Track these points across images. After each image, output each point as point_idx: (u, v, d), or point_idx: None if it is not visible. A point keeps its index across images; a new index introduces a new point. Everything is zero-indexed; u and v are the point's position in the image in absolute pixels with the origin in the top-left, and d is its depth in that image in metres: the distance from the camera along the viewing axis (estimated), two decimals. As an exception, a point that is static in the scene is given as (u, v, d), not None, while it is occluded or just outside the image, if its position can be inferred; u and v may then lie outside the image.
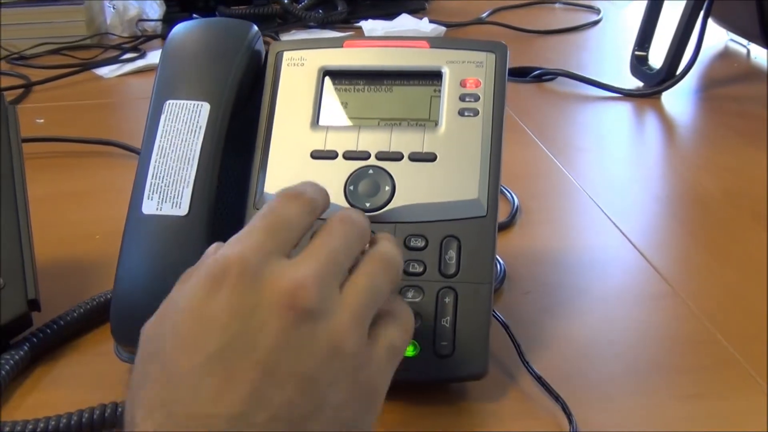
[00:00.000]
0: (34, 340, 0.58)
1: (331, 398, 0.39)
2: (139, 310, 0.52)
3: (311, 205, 0.44)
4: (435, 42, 0.60)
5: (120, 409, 0.50)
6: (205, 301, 0.38)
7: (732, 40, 1.38)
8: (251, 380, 0.36)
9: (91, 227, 0.76)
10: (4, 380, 0.54)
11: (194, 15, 1.51)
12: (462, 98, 0.57)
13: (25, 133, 0.95)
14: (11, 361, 0.55)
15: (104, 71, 1.32)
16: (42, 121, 1.10)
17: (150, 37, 1.49)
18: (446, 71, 0.58)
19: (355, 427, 0.40)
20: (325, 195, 0.46)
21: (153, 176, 0.54)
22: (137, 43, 1.45)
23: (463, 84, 0.58)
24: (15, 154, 0.61)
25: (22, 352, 0.57)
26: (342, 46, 0.61)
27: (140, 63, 1.34)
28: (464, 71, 0.58)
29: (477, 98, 0.57)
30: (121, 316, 0.53)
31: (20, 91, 1.22)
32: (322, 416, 0.38)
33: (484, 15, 1.61)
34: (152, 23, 1.53)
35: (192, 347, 0.37)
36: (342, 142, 0.57)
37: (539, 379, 0.54)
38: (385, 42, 0.61)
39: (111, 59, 1.36)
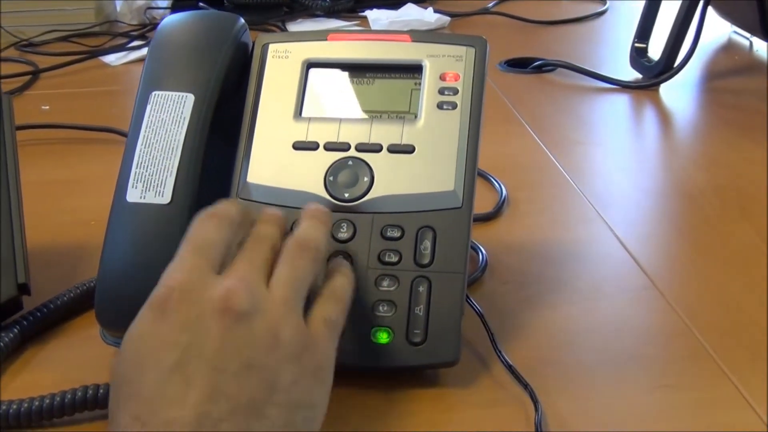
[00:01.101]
0: (24, 323, 0.60)
1: (281, 381, 0.43)
2: (122, 296, 0.54)
3: (226, 219, 0.49)
4: (417, 36, 0.61)
5: (102, 390, 0.51)
6: (156, 325, 0.43)
7: (735, 32, 1.38)
8: (207, 380, 0.41)
9: (87, 214, 0.77)
10: (-5, 361, 0.56)
11: (201, 4, 1.53)
12: (441, 92, 0.59)
13: (29, 120, 0.98)
14: (1, 344, 0.57)
15: (111, 59, 1.34)
16: (47, 107, 1.12)
17: (157, 25, 1.50)
18: (426, 65, 0.60)
19: (310, 401, 0.44)
20: (240, 208, 0.50)
21: (138, 165, 0.56)
22: (144, 31, 1.47)
23: (442, 77, 0.59)
24: (8, 142, 0.63)
25: (12, 335, 0.58)
26: (326, 39, 0.62)
27: (146, 51, 1.35)
28: (444, 65, 0.59)
29: (456, 92, 0.59)
30: (105, 302, 0.55)
31: (27, 77, 1.23)
32: (276, 398, 0.42)
33: (490, 5, 1.61)
34: (160, 11, 1.54)
35: (151, 366, 0.42)
36: (323, 134, 0.58)
37: (510, 368, 0.55)
38: (368, 36, 0.62)
39: (118, 47, 1.38)
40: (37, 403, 0.51)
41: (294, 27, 1.51)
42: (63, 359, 0.59)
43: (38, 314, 0.61)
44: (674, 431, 0.51)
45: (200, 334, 0.42)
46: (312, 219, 0.51)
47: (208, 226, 0.48)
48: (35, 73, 1.25)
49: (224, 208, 0.50)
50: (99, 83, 1.25)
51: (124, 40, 1.42)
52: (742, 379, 0.55)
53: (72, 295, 0.62)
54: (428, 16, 1.47)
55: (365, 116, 0.59)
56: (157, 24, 1.48)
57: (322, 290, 0.50)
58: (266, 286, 0.46)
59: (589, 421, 0.52)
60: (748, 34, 1.35)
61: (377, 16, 1.48)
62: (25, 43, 1.41)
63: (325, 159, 0.58)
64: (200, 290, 0.44)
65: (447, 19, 1.49)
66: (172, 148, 0.56)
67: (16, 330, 0.59)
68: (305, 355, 0.45)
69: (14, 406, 0.51)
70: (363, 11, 1.54)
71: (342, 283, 0.51)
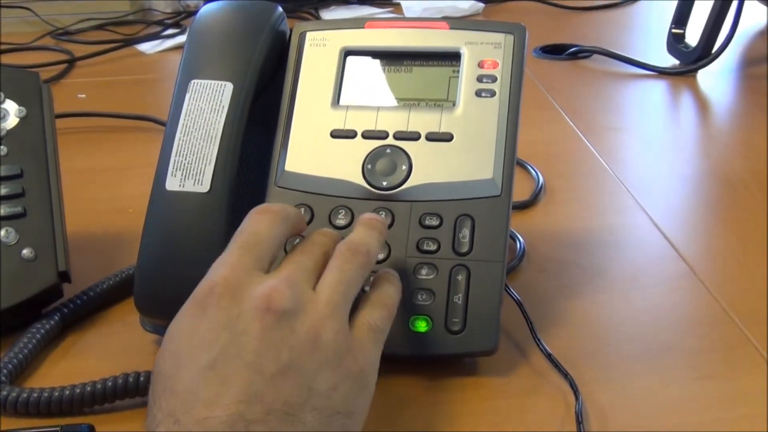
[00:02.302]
0: (65, 310, 0.60)
1: (319, 385, 0.42)
2: (161, 284, 0.55)
3: (281, 215, 0.48)
4: (454, 23, 0.61)
5: (142, 378, 0.52)
6: (196, 322, 0.43)
7: (774, 17, 1.36)
8: (243, 381, 0.40)
9: (124, 202, 0.78)
10: (36, 348, 0.57)
11: (235, -10, 1.53)
12: (480, 79, 0.58)
13: (66, 108, 0.99)
14: (42, 330, 0.58)
15: (146, 47, 1.34)
16: (84, 96, 1.13)
17: (191, 13, 1.51)
18: (465, 52, 0.59)
19: (348, 408, 0.43)
20: (297, 210, 0.50)
21: (177, 153, 0.56)
22: (179, 19, 1.47)
23: (481, 65, 0.59)
24: (48, 130, 0.63)
25: (53, 322, 0.59)
26: (364, 27, 0.62)
27: (180, 39, 1.35)
28: (482, 52, 0.59)
29: (494, 79, 0.58)
30: (144, 289, 0.55)
31: (64, 66, 1.24)
32: (313, 403, 0.41)
33: (525, -9, 1.60)
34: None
35: (189, 363, 0.41)
36: (361, 122, 0.58)
37: (549, 357, 0.55)
38: (405, 23, 0.62)
39: (152, 35, 1.39)
40: (78, 390, 0.52)
41: (327, 14, 1.51)
42: (103, 346, 0.59)
43: (78, 302, 0.61)
44: (715, 422, 0.51)
45: (239, 332, 0.41)
46: (366, 226, 0.50)
47: (261, 221, 0.47)
48: (71, 62, 1.26)
49: (280, 206, 0.49)
50: (134, 71, 1.26)
51: (158, 29, 1.43)
52: (784, 368, 0.55)
53: (111, 282, 0.63)
54: (462, 3, 1.46)
55: (403, 104, 0.59)
56: (192, 12, 1.49)
57: (369, 296, 0.49)
58: (312, 289, 0.45)
59: (628, 411, 0.52)
60: (787, 19, 1.33)
61: (411, 3, 1.47)
62: (60, 31, 1.42)
63: (363, 147, 0.57)
64: (243, 288, 0.43)
65: (480, 5, 1.48)
66: (211, 137, 0.56)
67: (57, 317, 0.59)
68: (347, 360, 0.43)
69: (56, 393, 0.52)
70: (397, -2, 1.54)
71: (389, 291, 0.50)
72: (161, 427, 0.40)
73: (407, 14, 1.46)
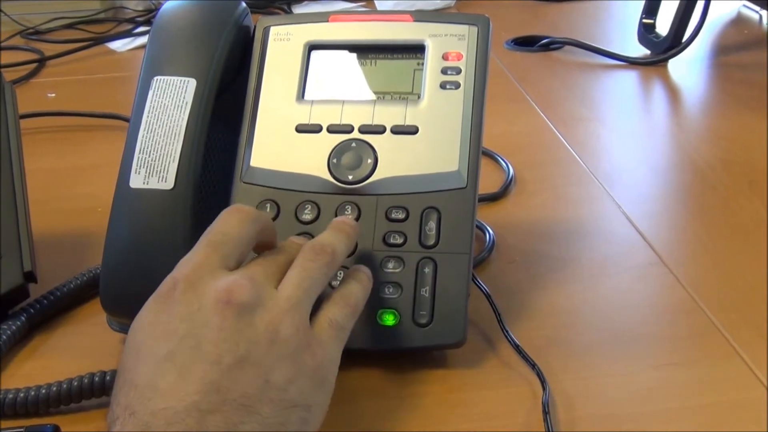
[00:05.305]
0: (31, 310, 0.60)
1: (276, 378, 0.42)
2: (126, 282, 0.54)
3: (251, 216, 0.48)
4: (418, 15, 0.60)
5: (108, 377, 0.52)
6: (158, 316, 0.43)
7: (745, 5, 1.36)
8: (200, 372, 0.40)
9: (93, 201, 0.77)
10: (2, 349, 0.56)
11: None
12: (444, 71, 0.58)
13: (35, 108, 0.98)
14: (8, 331, 0.57)
15: (117, 45, 1.34)
16: (54, 95, 1.12)
17: (162, 10, 1.50)
18: (429, 44, 0.59)
19: (306, 401, 0.43)
20: (268, 215, 0.52)
21: (140, 151, 0.55)
22: (150, 17, 1.46)
23: (445, 57, 0.59)
24: (12, 130, 0.63)
25: (19, 323, 0.59)
26: (328, 21, 0.61)
27: (151, 36, 1.35)
28: (446, 44, 0.59)
29: (459, 71, 0.58)
30: (109, 288, 0.55)
31: (34, 65, 1.23)
32: (270, 395, 0.42)
33: (497, -16, 1.60)
34: (166, -4, 1.54)
35: (148, 355, 0.42)
36: (326, 116, 0.58)
37: (517, 347, 0.55)
38: (369, 16, 0.62)
39: (124, 33, 1.38)
40: (43, 391, 0.51)
41: (299, 10, 1.50)
42: (70, 346, 0.59)
43: (45, 302, 0.61)
44: (683, 409, 0.51)
45: (199, 325, 0.42)
46: (334, 229, 0.51)
47: (231, 220, 0.47)
48: (41, 61, 1.26)
49: (252, 208, 0.49)
50: (105, 70, 1.25)
51: (129, 26, 1.42)
52: (751, 355, 0.55)
53: (78, 282, 0.62)
54: (434, -4, 1.46)
55: (368, 98, 0.59)
56: (162, 9, 1.48)
57: (333, 294, 0.49)
58: (275, 287, 0.45)
59: (596, 400, 0.52)
60: (757, 8, 1.33)
61: (383, -3, 1.47)
62: (30, 31, 1.41)
63: (328, 141, 0.57)
64: (205, 283, 0.43)
65: (452, 1, 1.48)
66: (175, 134, 0.56)
67: (23, 318, 0.59)
68: (305, 354, 0.44)
69: (21, 394, 0.51)
70: (369, -8, 1.53)
71: (354, 289, 0.50)
72: (118, 421, 0.40)
73: (379, 8, 1.46)
